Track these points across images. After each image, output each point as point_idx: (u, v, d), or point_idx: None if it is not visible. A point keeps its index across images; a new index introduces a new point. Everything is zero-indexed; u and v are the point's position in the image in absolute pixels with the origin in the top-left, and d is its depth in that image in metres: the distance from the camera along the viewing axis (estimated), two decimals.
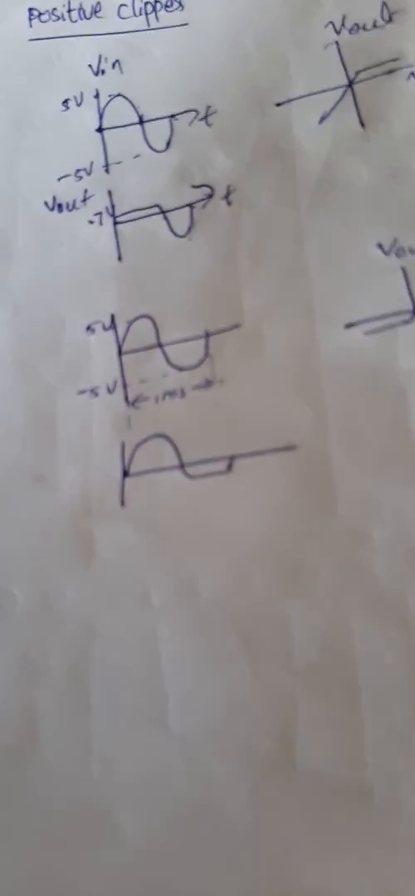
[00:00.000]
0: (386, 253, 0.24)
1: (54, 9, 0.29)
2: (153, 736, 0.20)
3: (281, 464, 0.22)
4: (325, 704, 0.19)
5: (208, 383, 0.23)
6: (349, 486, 0.21)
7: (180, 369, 0.24)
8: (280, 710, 0.20)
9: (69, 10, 0.29)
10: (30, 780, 0.20)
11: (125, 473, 0.23)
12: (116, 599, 0.21)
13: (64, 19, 0.29)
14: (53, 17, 0.29)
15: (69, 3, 0.30)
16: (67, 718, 0.20)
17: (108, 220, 0.26)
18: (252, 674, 0.20)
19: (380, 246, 0.24)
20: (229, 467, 0.22)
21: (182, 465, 0.22)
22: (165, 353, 0.24)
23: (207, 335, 0.24)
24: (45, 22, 0.29)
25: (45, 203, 0.27)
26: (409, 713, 0.19)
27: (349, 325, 0.23)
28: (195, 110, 0.27)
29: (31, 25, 0.29)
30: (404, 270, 0.23)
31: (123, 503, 0.22)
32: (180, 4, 0.29)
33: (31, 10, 0.30)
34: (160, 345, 0.24)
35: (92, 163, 0.27)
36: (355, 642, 0.20)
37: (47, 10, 0.30)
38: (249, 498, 0.22)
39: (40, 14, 0.30)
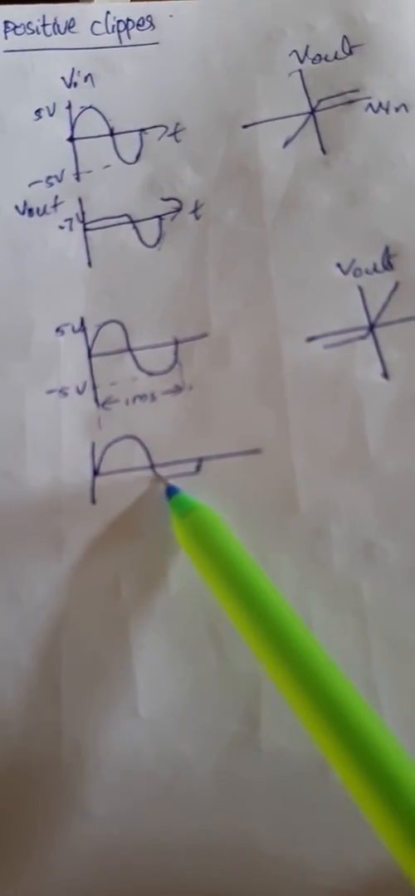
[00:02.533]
0: (345, 272, 0.24)
1: (29, 22, 0.29)
2: (123, 721, 0.20)
3: (247, 466, 0.22)
4: None
5: (178, 389, 0.24)
6: (310, 487, 0.22)
7: (150, 374, 0.24)
8: (245, 693, 0.20)
9: (44, 25, 0.29)
10: None
11: (95, 472, 0.23)
12: (86, 592, 0.21)
13: (39, 33, 0.29)
14: (28, 31, 0.29)
15: (44, 17, 0.29)
16: (37, 708, 0.20)
17: (78, 227, 0.26)
18: (219, 660, 0.20)
19: (339, 265, 0.24)
20: (198, 468, 0.22)
21: (152, 466, 0.23)
22: (135, 358, 0.24)
23: (177, 342, 0.24)
24: (20, 35, 0.29)
25: (16, 207, 0.27)
26: (362, 691, 0.19)
27: (310, 339, 0.24)
28: (165, 126, 0.28)
29: (6, 37, 0.29)
30: (360, 289, 0.24)
31: (93, 501, 0.22)
32: (152, 24, 0.29)
33: (6, 22, 0.29)
34: (130, 349, 0.24)
35: (63, 171, 0.27)
36: (314, 628, 0.20)
37: (23, 24, 0.29)
38: (217, 497, 0.22)
39: (16, 27, 0.29)
